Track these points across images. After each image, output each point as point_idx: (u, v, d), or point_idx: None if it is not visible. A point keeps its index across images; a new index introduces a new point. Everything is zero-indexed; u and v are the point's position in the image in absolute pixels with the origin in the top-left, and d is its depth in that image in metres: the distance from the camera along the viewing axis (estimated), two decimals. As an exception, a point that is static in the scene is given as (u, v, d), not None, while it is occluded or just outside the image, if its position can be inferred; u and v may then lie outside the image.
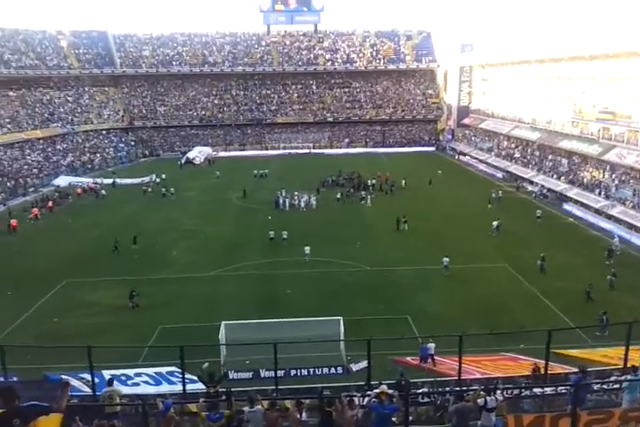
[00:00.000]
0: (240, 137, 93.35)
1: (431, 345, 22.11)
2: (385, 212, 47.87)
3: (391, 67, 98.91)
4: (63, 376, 18.56)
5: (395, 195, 56.29)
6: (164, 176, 65.19)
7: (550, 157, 61.99)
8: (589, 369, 14.23)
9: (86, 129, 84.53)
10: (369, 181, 59.52)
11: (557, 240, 40.19)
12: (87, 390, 16.76)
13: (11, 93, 78.21)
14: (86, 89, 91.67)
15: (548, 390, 13.96)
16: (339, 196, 53.89)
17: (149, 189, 59.49)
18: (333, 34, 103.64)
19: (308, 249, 36.84)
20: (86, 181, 65.10)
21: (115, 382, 18.54)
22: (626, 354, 15.44)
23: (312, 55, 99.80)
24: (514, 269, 34.09)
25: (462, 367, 15.99)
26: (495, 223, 42.03)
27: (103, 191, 58.44)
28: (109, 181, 64.80)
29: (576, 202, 49.85)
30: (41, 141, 75.11)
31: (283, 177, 64.29)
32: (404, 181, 58.88)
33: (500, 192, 53.82)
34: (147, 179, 64.92)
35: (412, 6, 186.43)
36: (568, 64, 61.52)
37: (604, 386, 13.68)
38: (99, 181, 64.89)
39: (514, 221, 44.80)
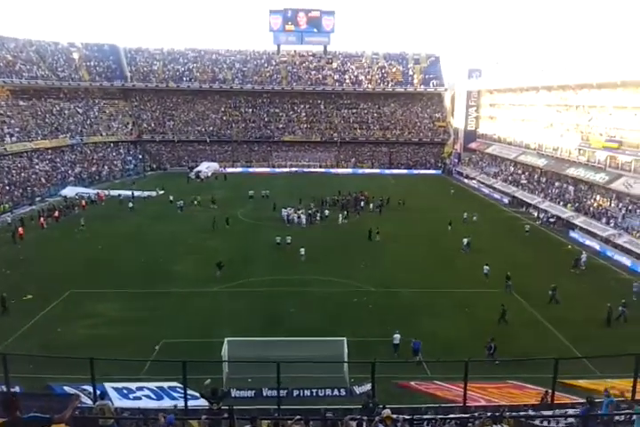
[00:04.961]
0: (247, 154, 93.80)
1: (397, 336, 25.73)
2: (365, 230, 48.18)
3: (399, 89, 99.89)
4: (66, 387, 18.51)
5: (386, 213, 57.32)
6: (161, 191, 66.18)
7: (557, 183, 62.10)
8: (597, 400, 14.12)
9: (95, 141, 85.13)
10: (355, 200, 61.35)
11: (558, 267, 40.12)
12: (88, 402, 16.61)
13: (21, 103, 78.93)
14: (96, 101, 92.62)
15: (557, 419, 13.78)
16: (327, 213, 55.08)
17: (196, 202, 60.07)
18: (342, 55, 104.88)
19: (303, 251, 40.74)
20: (93, 192, 65.38)
21: (116, 395, 18.69)
22: (634, 386, 15.26)
23: (321, 75, 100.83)
24: (518, 295, 33.94)
25: (467, 394, 15.80)
26: (465, 240, 44.01)
27: (130, 204, 58.48)
28: (116, 192, 65.07)
29: (582, 229, 49.82)
30: (49, 151, 75.55)
31: (288, 195, 64.39)
32: (373, 204, 59.85)
33: (475, 216, 54.65)
34: (153, 193, 65.40)
35: (421, 30, 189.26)
36: (576, 92, 61.99)
37: (618, 418, 13.47)
38: (106, 192, 65.27)
39: (515, 247, 45.63)
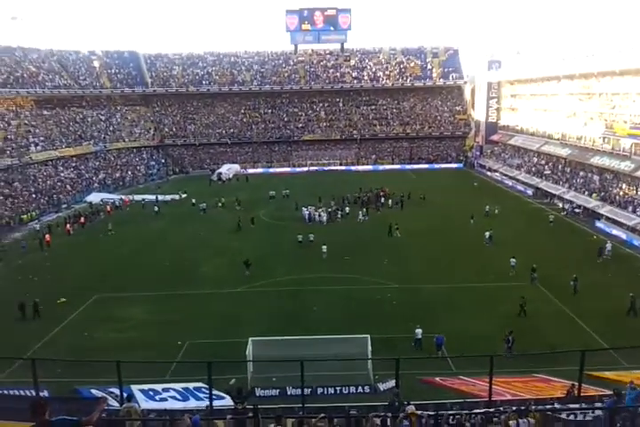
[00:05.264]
0: (268, 154, 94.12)
1: (419, 331, 25.89)
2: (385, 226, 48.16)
3: (418, 84, 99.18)
4: (93, 390, 18.81)
5: (407, 208, 57.04)
6: (184, 195, 66.82)
7: (581, 173, 61.12)
8: (624, 392, 13.86)
9: (118, 147, 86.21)
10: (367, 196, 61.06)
11: (584, 258, 39.52)
12: (115, 404, 16.84)
13: (45, 112, 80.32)
14: (118, 108, 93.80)
15: (584, 412, 13.57)
16: (347, 211, 55.05)
17: (219, 204, 60.78)
18: (360, 52, 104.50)
19: (324, 248, 41.18)
20: (117, 197, 66.27)
21: (142, 397, 18.91)
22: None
23: (339, 73, 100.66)
24: (544, 287, 33.53)
25: (493, 389, 15.64)
26: (487, 233, 43.80)
27: (156, 208, 58.98)
28: (140, 197, 65.87)
29: (608, 219, 48.96)
30: (74, 159, 76.70)
31: (309, 194, 64.37)
32: (392, 200, 59.35)
33: (497, 209, 54.07)
34: (177, 196, 66.10)
35: (438, 23, 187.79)
36: (598, 79, 60.92)
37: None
38: (130, 197, 66.12)
39: (542, 240, 44.88)
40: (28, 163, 67.34)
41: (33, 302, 30.81)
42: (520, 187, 69.20)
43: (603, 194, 53.83)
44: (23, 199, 60.13)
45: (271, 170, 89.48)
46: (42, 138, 74.20)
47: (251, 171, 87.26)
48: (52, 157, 72.45)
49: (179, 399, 19.03)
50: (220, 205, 60.52)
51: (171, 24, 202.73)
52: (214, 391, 16.28)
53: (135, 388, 18.70)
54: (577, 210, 54.05)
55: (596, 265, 38.06)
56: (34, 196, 62.19)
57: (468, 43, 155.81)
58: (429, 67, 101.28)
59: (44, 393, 16.76)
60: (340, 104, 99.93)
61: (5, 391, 17.42)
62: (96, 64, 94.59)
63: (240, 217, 51.68)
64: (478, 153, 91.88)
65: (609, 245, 40.23)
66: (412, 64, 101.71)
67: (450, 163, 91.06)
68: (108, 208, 60.35)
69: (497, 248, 41.75)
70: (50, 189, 65.85)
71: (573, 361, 15.29)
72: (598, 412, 13.35)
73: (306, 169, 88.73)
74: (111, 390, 17.58)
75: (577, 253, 40.65)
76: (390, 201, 59.23)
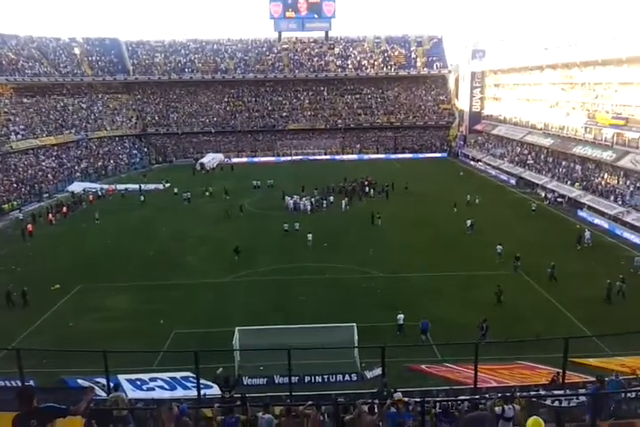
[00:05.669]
0: (252, 143, 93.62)
1: (400, 316, 26.18)
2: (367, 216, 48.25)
3: (402, 73, 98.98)
4: (79, 380, 18.73)
5: (392, 198, 57.07)
6: (167, 184, 66.33)
7: (564, 163, 61.69)
8: (607, 378, 14.12)
9: (100, 135, 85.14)
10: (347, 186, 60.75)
11: (566, 246, 39.97)
12: (102, 394, 16.78)
13: (25, 100, 79.01)
14: (99, 96, 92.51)
15: (568, 398, 13.80)
16: (332, 200, 54.80)
17: (207, 193, 60.45)
18: (344, 40, 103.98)
19: (310, 236, 41.26)
20: (99, 186, 65.61)
21: (130, 387, 18.88)
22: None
23: (323, 62, 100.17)
24: (527, 276, 33.90)
25: (478, 376, 15.84)
26: (469, 222, 44.19)
27: (142, 197, 58.50)
28: (123, 186, 65.27)
29: (590, 208, 49.52)
30: (55, 148, 75.66)
31: (294, 183, 64.20)
32: (375, 190, 59.38)
33: (477, 198, 54.19)
34: (160, 186, 65.58)
35: (423, 12, 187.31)
36: (581, 69, 61.32)
37: (629, 395, 13.48)
38: (113, 186, 65.51)
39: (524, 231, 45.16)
40: (8, 152, 66.32)
41: (22, 291, 30.70)
42: (503, 176, 69.68)
43: (585, 183, 54.42)
44: (4, 189, 59.27)
45: (255, 159, 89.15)
46: (22, 126, 73.04)
47: (235, 160, 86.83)
48: (32, 146, 71.41)
49: (166, 389, 19.04)
50: (207, 194, 60.24)
51: (153, 11, 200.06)
52: (202, 380, 16.29)
53: (122, 378, 18.68)
54: (560, 199, 54.58)
55: (576, 253, 38.57)
56: (15, 185, 61.34)
57: (452, 31, 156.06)
58: (413, 56, 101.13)
59: (30, 383, 16.68)
60: (325, 93, 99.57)
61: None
62: (77, 51, 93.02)
63: (228, 206, 51.84)
64: (462, 142, 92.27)
65: (588, 233, 40.79)
66: (397, 53, 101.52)
67: (434, 152, 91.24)
68: (91, 198, 59.78)
69: (478, 237, 42.12)
70: (31, 179, 64.98)
71: (558, 348, 15.52)
72: (582, 398, 13.61)
73: (290, 158, 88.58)
74: (98, 379, 17.52)
75: (559, 242, 41.08)
76: (373, 191, 59.26)
